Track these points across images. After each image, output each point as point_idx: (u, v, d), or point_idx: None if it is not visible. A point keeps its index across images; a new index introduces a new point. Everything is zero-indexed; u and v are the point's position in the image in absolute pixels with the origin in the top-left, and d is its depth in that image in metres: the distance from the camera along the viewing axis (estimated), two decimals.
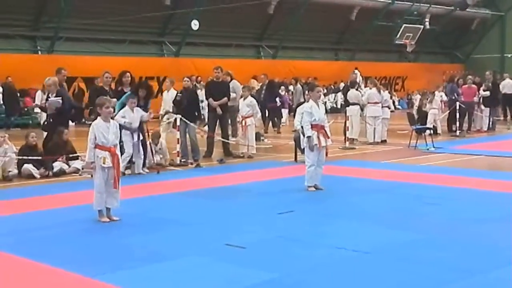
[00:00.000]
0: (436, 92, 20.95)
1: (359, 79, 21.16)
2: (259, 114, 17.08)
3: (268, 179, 11.37)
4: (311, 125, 9.87)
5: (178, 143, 13.38)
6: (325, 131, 9.96)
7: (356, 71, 22.59)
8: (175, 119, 13.76)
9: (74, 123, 18.83)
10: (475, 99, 20.87)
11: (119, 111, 11.74)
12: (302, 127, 12.32)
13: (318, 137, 9.82)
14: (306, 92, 14.18)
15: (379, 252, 6.29)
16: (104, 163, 7.80)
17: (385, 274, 5.65)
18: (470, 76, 21.93)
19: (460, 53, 44.00)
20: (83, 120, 23.98)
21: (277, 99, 21.76)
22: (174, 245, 6.75)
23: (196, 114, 13.83)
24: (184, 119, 13.32)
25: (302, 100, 20.11)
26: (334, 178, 10.74)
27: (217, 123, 14.68)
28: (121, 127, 11.63)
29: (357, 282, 5.46)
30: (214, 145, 14.56)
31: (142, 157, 12.07)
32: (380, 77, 33.29)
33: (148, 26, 29.25)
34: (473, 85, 20.85)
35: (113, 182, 7.84)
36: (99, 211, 7.87)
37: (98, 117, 8.12)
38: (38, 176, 11.63)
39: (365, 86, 19.30)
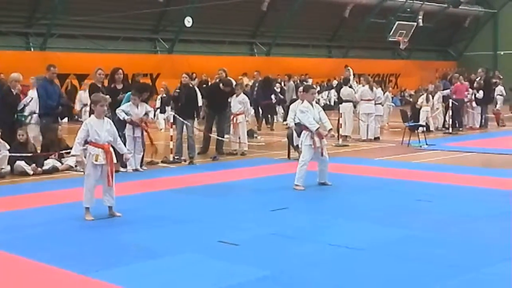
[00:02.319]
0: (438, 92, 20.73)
1: (351, 76, 21.19)
2: (252, 111, 17.10)
3: (261, 176, 11.38)
4: (305, 126, 9.94)
5: (171, 140, 13.38)
6: (319, 133, 9.98)
7: (348, 67, 22.62)
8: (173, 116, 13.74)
9: (64, 120, 18.74)
10: (469, 96, 20.95)
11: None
12: (295, 124, 12.41)
13: (312, 138, 9.84)
14: (300, 90, 14.23)
15: (373, 249, 6.31)
16: (96, 160, 7.78)
17: (379, 271, 5.66)
18: (456, 74, 22.04)
19: (453, 50, 44.09)
20: (76, 117, 23.98)
21: (273, 96, 21.74)
22: (168, 242, 6.75)
23: (194, 111, 13.80)
24: (181, 117, 13.29)
25: (294, 96, 20.12)
26: (327, 175, 10.73)
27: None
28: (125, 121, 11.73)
29: (351, 279, 5.47)
30: (210, 142, 14.57)
31: (141, 153, 12.10)
32: (373, 74, 33.33)
33: (141, 23, 29.18)
34: (465, 82, 20.93)
35: (107, 180, 7.83)
36: (86, 208, 7.83)
37: (92, 115, 8.11)
38: (31, 173, 11.59)
39: (358, 83, 19.31)
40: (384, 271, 5.67)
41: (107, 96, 11.64)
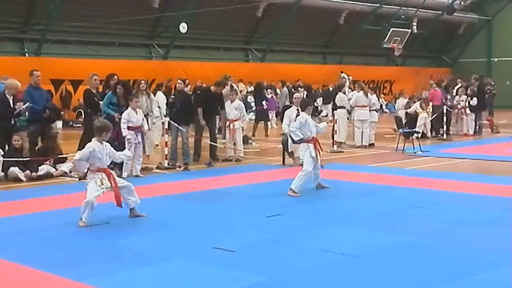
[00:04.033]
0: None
1: (347, 82, 21.23)
2: (247, 118, 17.09)
3: (256, 183, 11.37)
4: (304, 138, 10.17)
5: (166, 146, 13.36)
6: (319, 144, 10.27)
7: (344, 74, 22.66)
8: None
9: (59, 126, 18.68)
10: (462, 103, 21.02)
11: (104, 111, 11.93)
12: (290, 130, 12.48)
13: (316, 149, 10.10)
14: (295, 97, 14.29)
15: (367, 256, 6.31)
16: (102, 184, 7.77)
17: (373, 278, 5.66)
18: (431, 81, 22.18)
19: (447, 57, 44.23)
20: (70, 123, 23.96)
21: (264, 102, 21.73)
22: (162, 248, 6.74)
23: (189, 117, 13.77)
24: (176, 123, 13.27)
25: (287, 103, 20.15)
26: (322, 181, 10.74)
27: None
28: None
29: (346, 285, 5.48)
30: (201, 148, 14.53)
31: (141, 159, 12.09)
32: (368, 81, 33.41)
33: (136, 28, 29.18)
34: (438, 89, 21.08)
35: (116, 200, 7.86)
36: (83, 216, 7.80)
37: (94, 139, 8.02)
38: (24, 179, 11.56)
39: (353, 90, 19.33)
40: (379, 277, 5.67)
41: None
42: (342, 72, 23.45)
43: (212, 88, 14.60)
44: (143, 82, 13.61)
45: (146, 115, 13.31)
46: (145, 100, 13.36)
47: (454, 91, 22.41)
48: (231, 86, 17.15)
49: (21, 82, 12.88)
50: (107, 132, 8.10)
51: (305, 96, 19.92)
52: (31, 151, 12.39)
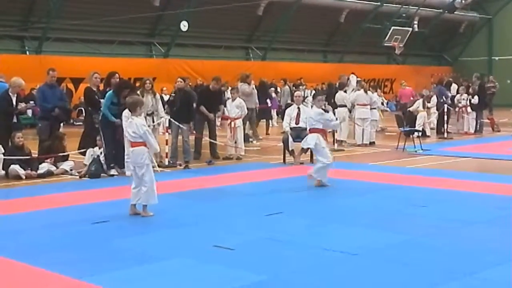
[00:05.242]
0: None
1: (354, 82, 21.27)
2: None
3: (256, 181, 11.38)
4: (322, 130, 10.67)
5: (166, 144, 13.36)
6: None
7: (352, 75, 22.73)
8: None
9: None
10: (463, 102, 21.01)
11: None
12: (291, 128, 12.49)
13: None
14: (297, 95, 14.31)
15: (367, 254, 6.31)
16: None
17: (373, 276, 5.66)
18: (403, 81, 22.35)
19: (448, 55, 44.23)
20: (72, 121, 23.92)
21: (268, 101, 21.74)
22: (162, 246, 6.73)
23: (189, 115, 13.74)
24: (176, 121, 13.26)
25: (289, 101, 20.15)
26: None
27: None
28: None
29: (345, 284, 5.47)
30: (202, 146, 14.53)
31: None
32: (368, 79, 33.39)
33: (137, 27, 29.20)
34: (408, 87, 21.14)
35: None
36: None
37: (133, 117, 8.38)
38: (24, 177, 11.55)
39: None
40: (379, 276, 5.66)
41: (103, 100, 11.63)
42: (352, 74, 23.41)
43: (211, 86, 14.58)
44: (148, 81, 13.49)
45: (151, 114, 13.28)
46: (150, 99, 13.31)
47: (454, 90, 22.41)
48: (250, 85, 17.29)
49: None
50: (140, 106, 8.50)
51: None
52: (39, 148, 12.45)
